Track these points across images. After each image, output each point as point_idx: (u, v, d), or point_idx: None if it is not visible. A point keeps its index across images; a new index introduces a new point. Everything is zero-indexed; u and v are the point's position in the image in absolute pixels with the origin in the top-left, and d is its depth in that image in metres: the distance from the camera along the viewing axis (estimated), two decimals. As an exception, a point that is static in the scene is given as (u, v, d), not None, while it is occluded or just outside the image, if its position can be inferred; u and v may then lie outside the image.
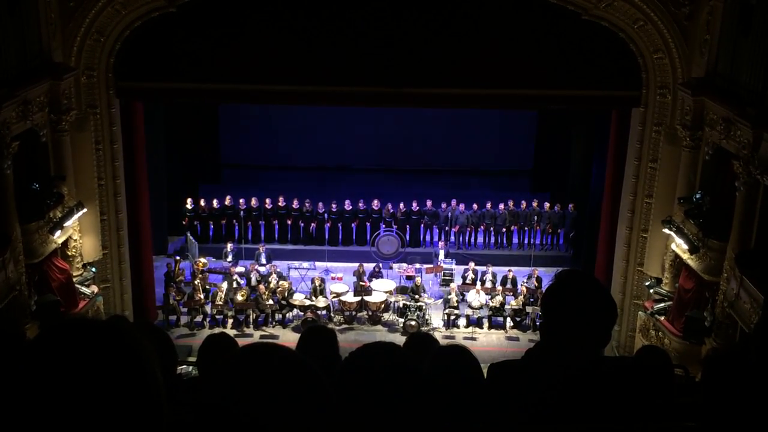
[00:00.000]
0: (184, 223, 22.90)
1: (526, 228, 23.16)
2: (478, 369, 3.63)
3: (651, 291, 17.88)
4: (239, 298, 19.80)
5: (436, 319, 20.20)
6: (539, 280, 20.43)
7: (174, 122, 23.30)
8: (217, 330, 18.32)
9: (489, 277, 20.71)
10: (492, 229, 23.17)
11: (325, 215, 22.96)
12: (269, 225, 23.19)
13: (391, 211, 22.96)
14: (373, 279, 21.01)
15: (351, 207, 23.03)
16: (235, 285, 20.11)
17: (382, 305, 20.31)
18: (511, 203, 23.05)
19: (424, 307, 19.83)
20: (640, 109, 17.72)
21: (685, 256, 16.35)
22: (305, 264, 21.61)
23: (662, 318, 17.27)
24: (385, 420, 2.25)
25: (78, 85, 17.11)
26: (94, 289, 17.95)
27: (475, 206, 23.15)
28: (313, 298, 20.12)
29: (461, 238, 23.29)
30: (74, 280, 17.24)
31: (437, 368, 3.52)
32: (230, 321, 19.90)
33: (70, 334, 1.69)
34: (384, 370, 2.35)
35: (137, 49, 17.67)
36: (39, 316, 15.43)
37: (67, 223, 16.73)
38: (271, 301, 19.77)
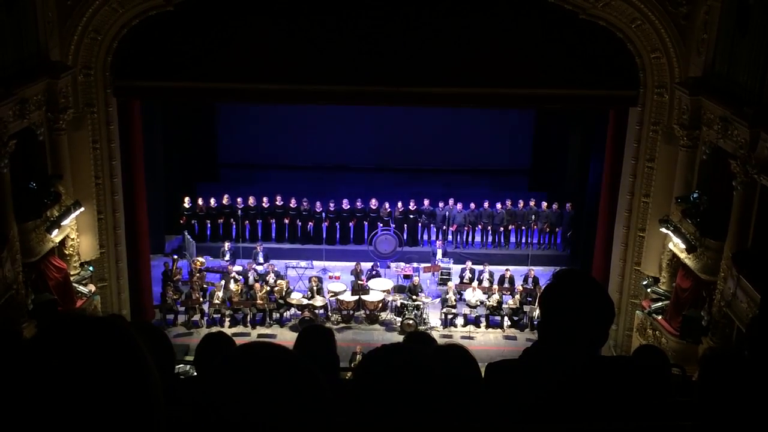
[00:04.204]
0: (181, 222, 22.88)
1: (523, 227, 23.15)
2: (476, 368, 3.64)
3: (648, 290, 17.89)
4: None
5: (433, 318, 20.19)
6: (536, 279, 20.43)
7: (172, 121, 23.28)
8: (214, 329, 18.31)
9: (486, 276, 20.70)
10: (489, 228, 23.14)
11: (323, 214, 22.94)
12: (267, 224, 23.17)
13: (389, 210, 22.94)
14: (371, 278, 21.01)
15: (348, 206, 23.00)
16: (232, 284, 20.10)
17: (380, 304, 20.30)
18: (508, 202, 23.03)
19: (421, 306, 19.83)
20: (637, 109, 17.73)
21: (683, 256, 16.36)
22: (303, 263, 21.58)
23: (659, 317, 17.28)
24: (389, 420, 2.24)
25: (75, 84, 17.08)
26: (92, 288, 17.93)
27: (472, 205, 23.14)
28: (311, 296, 20.12)
29: (459, 237, 23.28)
30: (71, 279, 17.21)
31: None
32: (227, 320, 19.92)
33: (68, 330, 1.69)
34: (407, 373, 2.31)
35: (135, 47, 17.64)
36: (36, 315, 15.41)
37: (65, 222, 16.71)
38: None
